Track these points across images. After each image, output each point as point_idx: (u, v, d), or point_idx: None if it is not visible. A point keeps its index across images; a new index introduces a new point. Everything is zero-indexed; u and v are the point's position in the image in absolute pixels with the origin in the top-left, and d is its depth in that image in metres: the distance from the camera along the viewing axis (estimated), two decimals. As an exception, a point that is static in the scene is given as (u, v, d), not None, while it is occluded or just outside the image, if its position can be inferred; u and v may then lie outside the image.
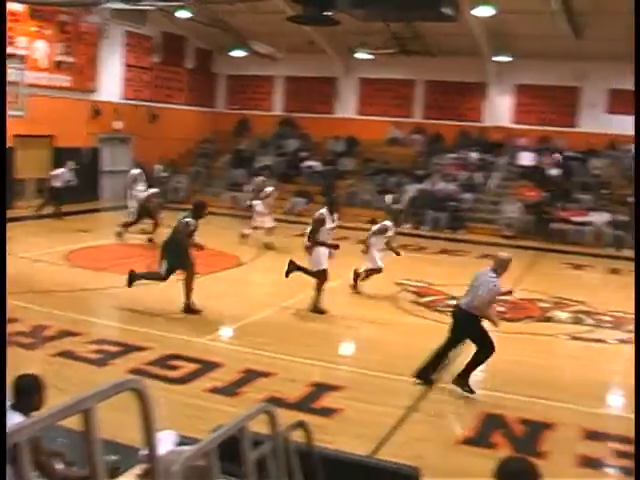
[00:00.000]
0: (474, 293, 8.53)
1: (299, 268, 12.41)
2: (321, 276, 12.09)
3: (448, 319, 12.03)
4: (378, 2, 19.31)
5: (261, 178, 21.91)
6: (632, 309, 13.55)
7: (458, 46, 26.61)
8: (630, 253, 22.27)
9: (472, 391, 8.59)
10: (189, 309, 11.50)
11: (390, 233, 14.18)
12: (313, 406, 7.90)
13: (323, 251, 12.11)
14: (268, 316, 11.86)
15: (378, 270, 13.93)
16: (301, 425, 3.86)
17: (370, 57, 27.89)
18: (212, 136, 31.72)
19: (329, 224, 12.15)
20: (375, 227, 14.31)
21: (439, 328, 11.63)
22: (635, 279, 11.94)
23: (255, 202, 19.22)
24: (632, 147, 27.09)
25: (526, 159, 27.31)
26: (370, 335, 11.31)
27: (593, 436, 7.64)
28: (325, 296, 12.14)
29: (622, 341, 11.81)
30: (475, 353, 8.65)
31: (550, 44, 25.19)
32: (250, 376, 8.73)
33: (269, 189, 19.46)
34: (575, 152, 27.36)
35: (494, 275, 8.61)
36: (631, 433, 7.76)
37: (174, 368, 8.98)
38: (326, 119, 30.79)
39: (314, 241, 12.05)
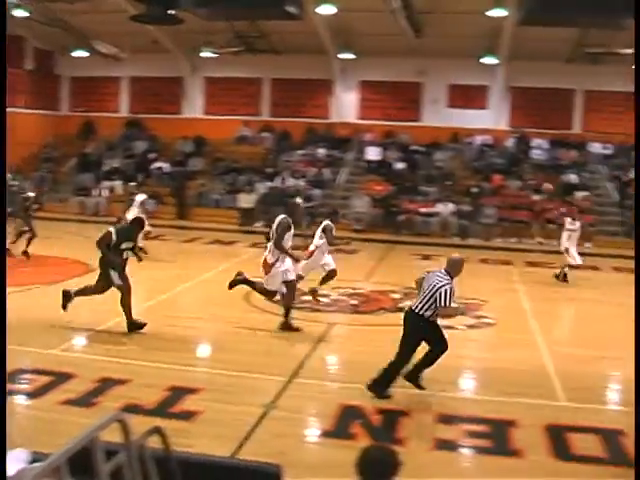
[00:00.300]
0: (426, 298, 8.26)
1: (246, 282, 11.75)
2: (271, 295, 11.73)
3: (302, 315, 12.19)
4: (221, 1, 19.27)
5: (132, 184, 21.17)
6: (479, 295, 14.12)
7: (303, 44, 26.88)
8: (474, 241, 23.18)
9: (423, 387, 8.50)
10: (66, 300, 11.10)
11: (334, 232, 13.65)
12: (172, 410, 7.79)
13: (289, 261, 11.41)
14: (122, 322, 11.60)
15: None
16: (156, 431, 3.80)
17: (215, 56, 27.78)
18: (56, 140, 30.76)
19: (292, 229, 11.33)
20: (320, 230, 13.52)
21: (294, 324, 11.76)
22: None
23: (129, 213, 18.20)
24: (473, 139, 28.23)
25: (373, 154, 27.88)
26: (226, 335, 11.25)
27: (447, 419, 7.90)
28: (178, 299, 11.99)
29: (470, 326, 12.26)
30: (428, 351, 8.49)
31: (392, 41, 25.84)
32: (106, 385, 8.51)
33: (141, 197, 18.79)
34: (419, 145, 28.16)
35: (448, 278, 8.37)
36: (482, 413, 8.12)
37: (25, 382, 8.66)
38: (174, 119, 30.46)
39: (285, 250, 11.19)
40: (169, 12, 19.49)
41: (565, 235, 16.86)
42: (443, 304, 8.15)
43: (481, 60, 26.68)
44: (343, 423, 7.67)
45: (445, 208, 24.78)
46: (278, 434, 7.27)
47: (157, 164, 28.56)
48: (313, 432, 7.70)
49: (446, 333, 10.85)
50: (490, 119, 28.74)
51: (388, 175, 26.85)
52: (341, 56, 27.84)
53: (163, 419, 7.08)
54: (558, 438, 7.52)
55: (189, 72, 30.68)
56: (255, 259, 15.22)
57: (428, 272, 8.67)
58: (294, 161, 28.07)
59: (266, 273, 11.23)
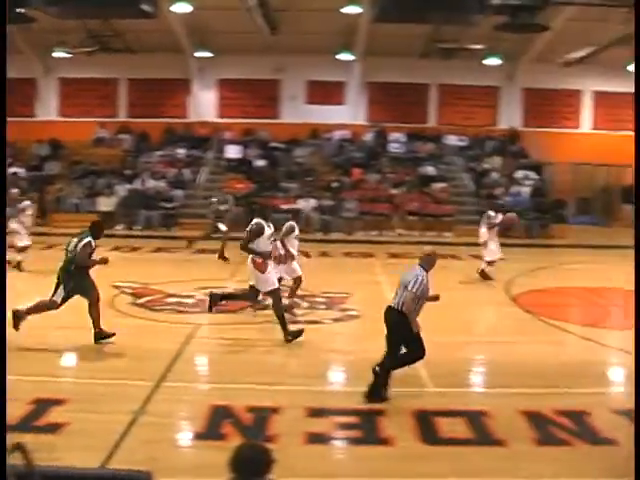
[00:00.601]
0: (401, 292, 8.42)
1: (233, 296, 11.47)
2: (276, 297, 11.12)
3: (167, 317, 12.04)
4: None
5: (15, 191, 20.15)
6: (343, 288, 14.30)
7: (160, 43, 26.54)
8: (337, 236, 23.48)
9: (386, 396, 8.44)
10: (101, 336, 10.59)
11: (297, 232, 13.17)
12: (37, 424, 7.54)
13: (271, 268, 11.07)
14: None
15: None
16: (18, 447, 3.67)
17: (69, 56, 27.05)
18: None
19: (267, 231, 11.05)
20: (283, 230, 12.82)
21: (160, 327, 11.67)
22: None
23: (12, 221, 16.88)
24: (332, 135, 28.58)
25: (233, 152, 27.84)
26: (90, 342, 10.98)
27: (317, 413, 7.98)
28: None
29: (336, 320, 12.42)
30: (403, 353, 8.53)
31: (248, 39, 25.88)
32: (-36, 401, 8.17)
33: (25, 204, 17.62)
34: (279, 142, 28.30)
35: (422, 271, 8.54)
36: (351, 404, 8.26)
37: None
38: (27, 122, 29.37)
39: (253, 251, 10.93)
40: (18, 10, 18.80)
41: (485, 228, 16.73)
42: (410, 288, 8.30)
43: (337, 56, 27.07)
44: (214, 424, 7.63)
45: (307, 204, 25.00)
46: (148, 440, 7.17)
47: (12, 169, 27.49)
48: (184, 435, 7.63)
49: (314, 327, 11.02)
50: (348, 114, 29.24)
51: (249, 173, 26.88)
52: (198, 55, 27.64)
53: (28, 434, 6.85)
54: (426, 423, 7.76)
55: (42, 73, 29.74)
56: (116, 263, 14.97)
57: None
58: (154, 162, 27.68)
59: (263, 272, 10.92)
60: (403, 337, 8.46)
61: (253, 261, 10.95)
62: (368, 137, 29.06)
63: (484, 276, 16.45)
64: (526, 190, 26.44)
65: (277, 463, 4.05)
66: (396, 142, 28.91)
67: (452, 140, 29.25)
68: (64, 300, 10.61)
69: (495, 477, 6.63)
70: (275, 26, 25.20)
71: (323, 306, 13.38)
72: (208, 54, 27.42)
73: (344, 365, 10.47)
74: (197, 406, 8.14)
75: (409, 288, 8.32)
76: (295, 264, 12.86)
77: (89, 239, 10.54)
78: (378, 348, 10.57)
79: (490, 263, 16.54)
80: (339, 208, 25.03)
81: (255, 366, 9.69)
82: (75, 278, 10.53)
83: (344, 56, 27.12)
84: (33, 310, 10.71)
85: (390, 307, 8.58)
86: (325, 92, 29.21)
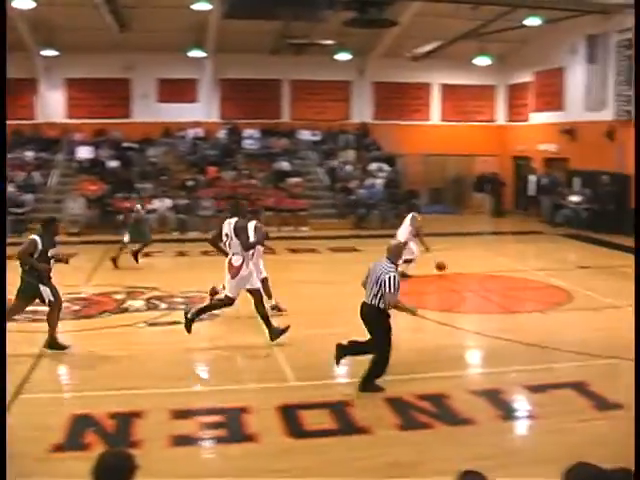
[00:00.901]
0: (375, 289, 8.47)
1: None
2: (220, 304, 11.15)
3: (22, 326, 11.62)
4: None
5: None
6: (202, 287, 14.16)
7: (2, 41, 25.49)
8: (194, 235, 23.26)
9: (381, 388, 8.64)
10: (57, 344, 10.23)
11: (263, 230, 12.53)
12: None
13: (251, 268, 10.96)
14: None
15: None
16: None
17: None
18: None
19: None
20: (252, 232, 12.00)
21: (16, 337, 11.15)
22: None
23: None
24: (185, 133, 28.35)
25: (84, 153, 27.15)
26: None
27: (181, 415, 7.92)
28: None
29: (199, 320, 12.29)
30: (373, 358, 8.66)
31: (96, 37, 25.30)
32: None
33: None
34: (132, 142, 27.84)
35: (392, 266, 8.57)
36: (215, 403, 8.26)
37: None
38: None
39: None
40: None
41: (409, 230, 16.30)
42: (387, 290, 8.37)
43: (189, 54, 26.83)
44: (75, 434, 7.44)
45: (162, 204, 24.69)
46: (7, 455, 6.90)
47: None
48: (45, 448, 7.38)
49: (173, 328, 10.90)
50: (201, 112, 29.06)
51: (102, 174, 26.26)
52: (44, 53, 26.71)
53: None
54: (290, 417, 7.84)
55: None
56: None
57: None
58: (1, 165, 26.61)
59: (232, 277, 10.71)
60: (372, 329, 8.67)
61: (230, 264, 10.80)
62: (222, 134, 28.97)
63: (404, 275, 16.49)
64: (380, 182, 26.99)
65: (141, 468, 4.00)
66: (250, 138, 28.94)
67: (306, 135, 29.56)
68: (54, 293, 10.38)
69: (360, 465, 6.76)
70: (124, 23, 24.74)
71: (182, 306, 13.21)
72: (54, 52, 26.51)
73: (206, 365, 10.43)
74: (57, 416, 7.90)
75: (387, 290, 8.42)
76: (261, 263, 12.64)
77: (34, 237, 10.30)
78: (241, 344, 10.64)
79: (409, 261, 16.47)
80: (195, 207, 24.84)
81: (115, 371, 9.50)
82: (33, 273, 10.23)
83: (195, 53, 26.90)
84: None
85: (365, 303, 8.70)
86: (177, 90, 28.92)
